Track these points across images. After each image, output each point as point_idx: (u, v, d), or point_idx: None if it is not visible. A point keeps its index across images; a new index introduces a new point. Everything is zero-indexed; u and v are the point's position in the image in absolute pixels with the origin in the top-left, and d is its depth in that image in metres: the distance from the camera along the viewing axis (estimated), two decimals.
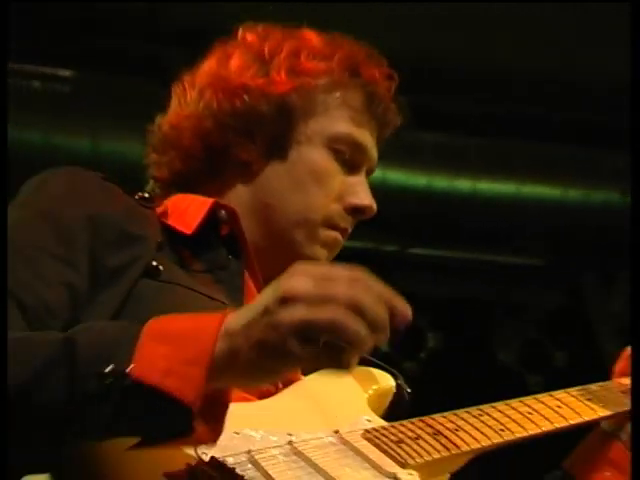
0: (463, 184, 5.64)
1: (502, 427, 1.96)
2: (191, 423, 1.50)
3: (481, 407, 1.99)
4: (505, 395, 2.08)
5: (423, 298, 6.02)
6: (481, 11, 5.22)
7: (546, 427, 2.03)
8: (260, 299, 1.55)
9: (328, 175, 2.16)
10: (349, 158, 2.19)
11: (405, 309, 1.58)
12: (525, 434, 1.99)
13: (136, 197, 2.12)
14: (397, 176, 5.54)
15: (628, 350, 2.28)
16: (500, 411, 2.00)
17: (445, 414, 1.93)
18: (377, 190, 5.73)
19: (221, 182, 2.19)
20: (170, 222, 2.05)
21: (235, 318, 1.53)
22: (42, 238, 1.90)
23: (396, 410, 2.04)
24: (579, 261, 6.08)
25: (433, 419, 1.91)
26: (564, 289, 5.91)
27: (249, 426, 1.74)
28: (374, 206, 2.22)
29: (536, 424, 2.02)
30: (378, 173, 5.55)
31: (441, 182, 5.62)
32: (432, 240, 6.01)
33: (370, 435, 1.83)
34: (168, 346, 1.54)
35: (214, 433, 1.57)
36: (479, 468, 2.05)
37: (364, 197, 2.21)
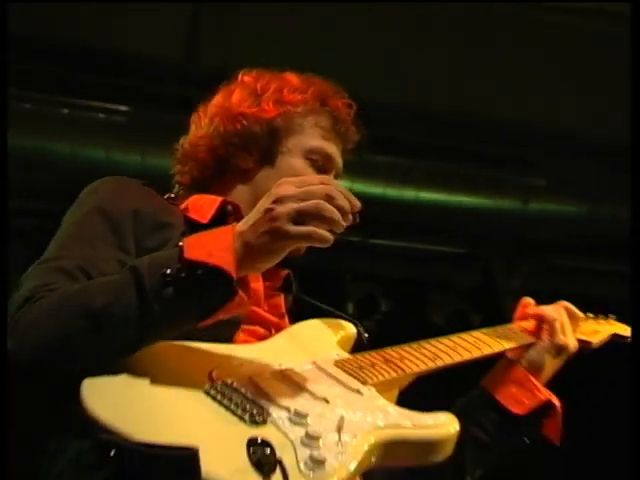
0: (409, 193, 5.65)
1: (435, 356, 1.99)
2: (234, 288, 1.60)
3: (419, 342, 2.02)
4: None
5: (379, 275, 6.02)
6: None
7: (467, 356, 2.06)
8: (257, 207, 1.67)
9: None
10: (321, 165, 2.23)
11: (356, 201, 1.70)
12: (452, 361, 2.01)
13: (165, 197, 2.18)
14: (360, 186, 5.47)
15: (524, 299, 2.34)
16: (433, 345, 2.03)
17: (393, 347, 1.97)
18: None
19: (226, 185, 2.21)
20: (190, 215, 2.07)
21: (241, 224, 1.66)
22: (99, 228, 1.91)
23: (357, 350, 2.02)
24: (490, 251, 6.11)
25: (384, 351, 1.95)
26: (480, 271, 5.91)
27: (249, 359, 1.78)
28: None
29: (460, 354, 2.04)
30: (346, 184, 5.58)
31: (392, 192, 5.63)
32: (386, 233, 5.99)
33: (339, 364, 1.86)
34: (203, 243, 1.63)
35: (245, 304, 1.66)
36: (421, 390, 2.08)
37: None
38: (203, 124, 2.25)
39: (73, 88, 5.12)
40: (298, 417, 1.61)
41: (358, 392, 1.76)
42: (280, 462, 1.50)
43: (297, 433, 1.57)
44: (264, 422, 1.58)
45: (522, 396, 2.17)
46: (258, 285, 2.04)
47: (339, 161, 2.29)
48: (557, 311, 2.28)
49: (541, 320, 2.26)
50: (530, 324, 2.28)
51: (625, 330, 2.52)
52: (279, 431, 1.57)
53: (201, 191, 2.21)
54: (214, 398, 1.62)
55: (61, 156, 5.07)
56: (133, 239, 1.92)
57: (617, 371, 4.47)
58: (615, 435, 4.40)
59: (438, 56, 5.26)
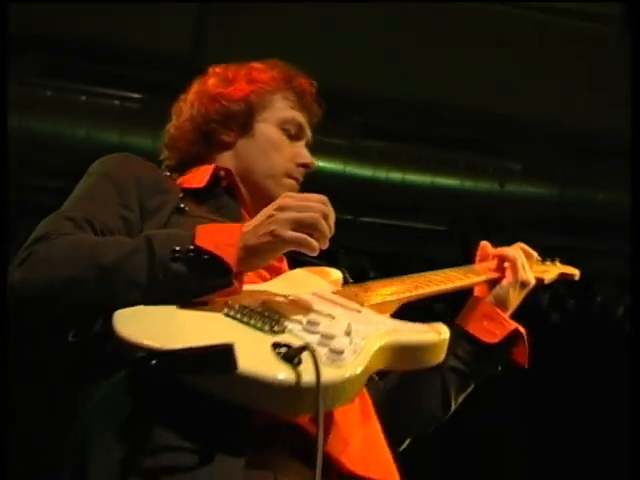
0: (396, 175, 5.63)
1: (415, 286, 2.06)
2: (232, 279, 1.66)
3: (401, 277, 2.10)
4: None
5: (368, 250, 6.06)
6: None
7: (443, 287, 2.13)
8: (261, 213, 1.75)
9: (281, 144, 2.26)
10: (294, 134, 2.29)
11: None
12: (431, 290, 2.09)
13: (165, 172, 2.23)
14: (352, 169, 5.56)
15: (482, 243, 2.38)
16: (412, 279, 2.10)
17: (379, 280, 2.06)
18: (340, 178, 5.80)
19: (213, 157, 2.26)
20: (186, 186, 2.11)
21: (247, 226, 1.71)
22: (106, 189, 1.96)
23: None
24: (470, 228, 6.12)
25: (372, 282, 2.04)
26: (459, 246, 5.92)
27: (259, 291, 1.85)
28: (314, 162, 2.29)
29: (437, 285, 2.11)
30: (339, 167, 5.64)
31: (381, 174, 5.62)
32: (375, 212, 6.00)
33: (336, 292, 1.94)
34: (214, 235, 1.68)
35: (237, 290, 1.71)
36: None
37: (307, 157, 2.29)
38: (185, 110, 2.30)
39: (90, 77, 5.11)
40: (311, 326, 1.67)
41: (357, 311, 1.82)
42: (307, 346, 1.55)
43: (313, 338, 1.63)
44: (282, 331, 1.64)
45: (493, 328, 2.22)
46: None
47: (308, 130, 2.34)
48: (516, 251, 2.32)
49: (503, 259, 2.30)
50: (492, 264, 2.32)
51: (571, 270, 2.67)
52: (297, 337, 1.63)
53: (191, 167, 2.26)
54: (233, 317, 1.67)
55: (78, 139, 5.07)
56: (136, 200, 1.96)
57: (617, 373, 4.53)
58: (615, 436, 4.42)
59: (421, 50, 5.25)
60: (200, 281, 1.66)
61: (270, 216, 1.73)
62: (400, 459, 1.90)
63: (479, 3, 5.01)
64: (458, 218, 6.14)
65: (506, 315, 2.26)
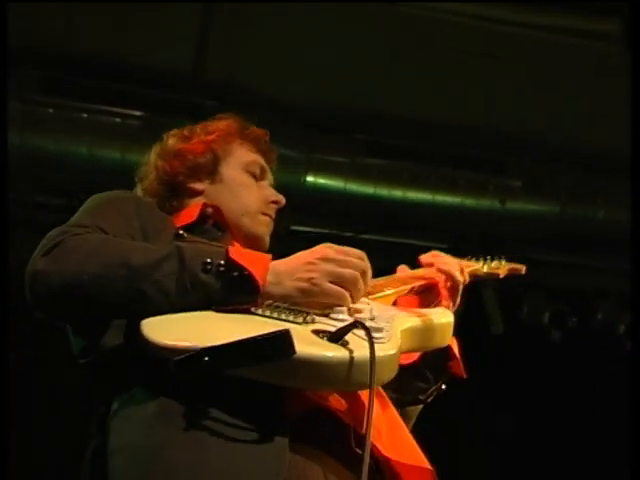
0: (397, 193, 5.63)
1: (403, 282, 2.18)
2: (257, 297, 1.70)
3: (377, 278, 2.14)
4: None
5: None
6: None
7: (411, 285, 2.21)
8: (297, 257, 1.79)
9: (249, 185, 2.33)
10: (258, 174, 2.36)
11: None
12: (410, 286, 2.19)
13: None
14: (353, 186, 5.56)
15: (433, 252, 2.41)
16: (390, 278, 2.22)
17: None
18: (340, 195, 5.80)
19: (186, 204, 2.29)
20: (178, 224, 2.13)
21: (278, 264, 1.76)
22: (110, 211, 1.98)
23: None
24: (471, 246, 6.10)
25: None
26: None
27: None
28: (283, 199, 2.36)
29: (410, 283, 2.21)
30: (341, 184, 5.66)
31: (382, 191, 5.62)
32: (376, 230, 5.99)
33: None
34: (245, 255, 1.74)
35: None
36: None
37: (276, 194, 2.36)
38: (149, 173, 2.34)
39: (92, 95, 5.12)
40: (337, 314, 1.73)
41: (367, 304, 1.85)
42: (357, 323, 1.63)
43: (344, 323, 1.67)
44: (313, 322, 1.69)
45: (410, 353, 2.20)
46: None
47: (269, 174, 2.42)
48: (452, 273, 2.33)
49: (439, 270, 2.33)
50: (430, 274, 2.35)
51: (518, 266, 2.82)
52: (330, 326, 1.68)
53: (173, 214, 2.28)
54: (263, 315, 1.70)
55: (80, 156, 5.08)
56: (138, 222, 1.98)
57: (618, 390, 4.52)
58: (616, 454, 4.40)
59: (422, 68, 5.27)
60: (227, 295, 1.69)
61: (311, 263, 1.77)
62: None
63: (481, 21, 5.03)
64: (459, 236, 6.14)
65: None
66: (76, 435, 1.97)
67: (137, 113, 5.13)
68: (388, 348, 1.64)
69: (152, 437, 1.61)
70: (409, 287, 2.21)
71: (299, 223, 5.70)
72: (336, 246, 1.84)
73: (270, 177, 2.42)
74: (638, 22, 3.65)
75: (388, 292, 2.08)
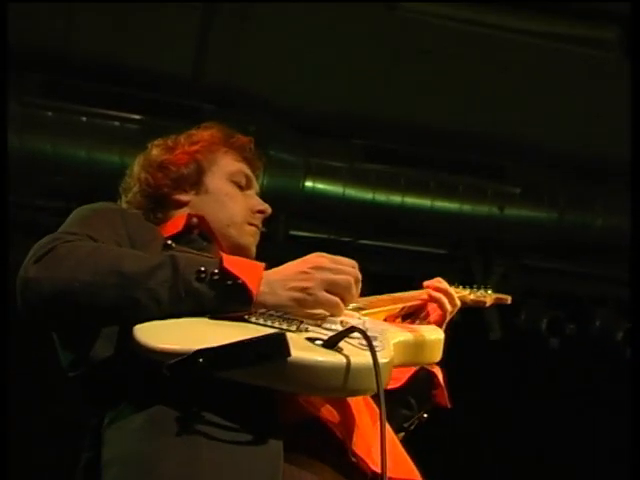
0: (395, 198, 5.64)
1: (393, 301, 2.21)
2: (251, 302, 1.69)
3: (369, 297, 2.15)
4: None
5: (368, 272, 6.04)
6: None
7: (401, 305, 2.24)
8: (290, 267, 1.79)
9: (235, 195, 2.31)
10: (244, 184, 2.34)
11: None
12: (401, 305, 2.23)
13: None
14: (352, 192, 5.57)
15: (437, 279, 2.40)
16: (383, 297, 2.23)
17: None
18: (339, 200, 5.80)
19: (171, 215, 2.27)
20: (165, 234, 2.12)
21: (272, 274, 1.76)
22: (97, 220, 1.96)
23: None
24: (470, 252, 6.14)
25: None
26: (459, 270, 5.92)
27: None
28: (269, 208, 2.35)
29: (402, 302, 2.25)
30: (339, 190, 5.66)
31: (381, 197, 5.62)
32: (375, 235, 6.00)
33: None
34: (239, 264, 1.73)
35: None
36: None
37: (262, 204, 2.34)
38: (132, 184, 2.32)
39: (91, 98, 5.13)
40: (330, 324, 1.73)
41: (358, 318, 1.88)
42: (354, 328, 1.64)
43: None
44: (307, 330, 1.69)
45: (398, 373, 2.18)
46: None
47: (255, 182, 2.41)
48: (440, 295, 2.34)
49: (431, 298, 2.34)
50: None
51: (504, 296, 2.86)
52: (323, 334, 1.67)
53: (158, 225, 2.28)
54: (256, 323, 1.70)
55: (78, 160, 5.08)
56: (125, 233, 1.97)
57: (617, 397, 4.51)
58: (617, 461, 4.38)
59: (421, 74, 5.28)
60: (220, 304, 1.69)
61: (304, 272, 1.77)
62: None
63: (480, 28, 5.04)
64: (457, 241, 6.15)
65: None
66: (70, 446, 1.97)
67: (136, 117, 5.14)
68: (382, 356, 1.64)
69: (146, 447, 1.61)
70: (400, 306, 2.22)
71: (297, 228, 5.71)
72: (328, 255, 1.85)
73: (256, 185, 2.40)
74: (637, 29, 3.65)
75: (379, 310, 2.09)
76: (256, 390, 1.59)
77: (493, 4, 4.98)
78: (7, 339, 2.54)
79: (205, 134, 2.37)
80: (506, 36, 5.10)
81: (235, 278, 1.69)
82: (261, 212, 2.34)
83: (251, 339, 1.54)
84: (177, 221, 2.20)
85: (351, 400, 1.80)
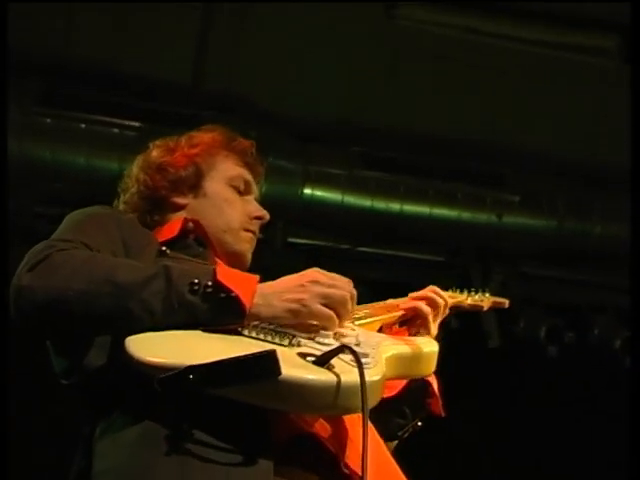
0: (394, 206, 5.64)
1: (387, 310, 2.19)
2: (244, 315, 1.69)
3: (365, 304, 2.17)
4: None
5: (366, 279, 6.04)
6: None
7: (397, 314, 2.22)
8: (286, 280, 1.80)
9: (233, 200, 2.30)
10: (243, 189, 2.33)
11: None
12: (397, 314, 2.21)
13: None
14: (351, 199, 5.56)
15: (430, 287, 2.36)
16: (377, 305, 2.23)
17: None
18: (338, 208, 5.80)
19: (169, 218, 2.26)
20: (160, 239, 2.11)
21: (266, 287, 1.77)
22: (92, 226, 1.96)
23: None
24: (468, 259, 6.13)
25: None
26: (458, 277, 5.92)
27: None
28: (267, 214, 2.34)
29: (395, 311, 2.22)
30: (338, 197, 5.66)
31: (380, 204, 5.62)
32: (374, 242, 5.98)
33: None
34: (232, 276, 1.73)
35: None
36: None
37: (259, 210, 2.34)
38: (130, 185, 2.30)
39: (90, 105, 5.13)
40: (323, 338, 1.73)
41: (352, 329, 1.88)
42: (345, 347, 1.64)
43: (330, 348, 1.67)
44: (299, 345, 1.69)
45: (392, 382, 2.17)
46: None
47: (255, 187, 2.40)
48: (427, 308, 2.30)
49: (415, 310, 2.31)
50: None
51: (501, 299, 2.85)
52: (315, 349, 1.68)
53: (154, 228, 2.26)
54: (249, 336, 1.70)
55: (77, 167, 5.09)
56: (119, 238, 1.96)
57: (615, 405, 4.50)
58: (615, 469, 4.38)
59: (420, 81, 5.29)
60: (213, 316, 1.69)
61: (301, 285, 1.78)
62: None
63: (480, 36, 5.04)
64: (456, 249, 6.15)
65: None
66: (70, 446, 1.96)
67: (135, 124, 5.14)
68: (373, 374, 1.64)
69: (137, 461, 1.61)
70: (395, 315, 2.21)
71: (296, 235, 5.70)
72: (324, 271, 1.85)
73: (255, 191, 2.39)
74: (637, 38, 3.66)
75: (374, 319, 2.09)
76: (248, 406, 1.58)
77: (494, 12, 4.99)
78: (7, 339, 2.53)
79: (206, 137, 2.36)
80: (506, 44, 5.12)
81: (228, 291, 1.69)
82: (259, 218, 2.33)
83: (242, 357, 1.54)
84: (173, 225, 2.19)
85: None
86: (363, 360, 1.63)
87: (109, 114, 5.16)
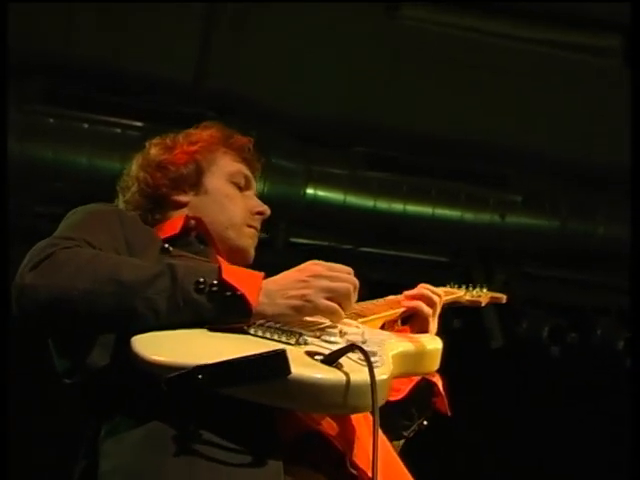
0: (397, 206, 5.65)
1: (390, 307, 2.18)
2: (250, 314, 1.67)
3: (365, 302, 2.16)
4: None
5: (369, 280, 6.04)
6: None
7: (399, 310, 2.21)
8: (287, 275, 1.80)
9: (234, 196, 2.29)
10: (243, 185, 2.32)
11: None
12: (399, 311, 2.20)
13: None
14: (353, 199, 5.58)
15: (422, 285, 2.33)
16: (380, 302, 2.22)
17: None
18: (340, 208, 5.81)
19: (170, 215, 2.25)
20: (161, 235, 2.10)
21: (270, 283, 1.76)
22: (94, 224, 1.94)
23: None
24: (471, 260, 6.14)
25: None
26: (461, 278, 5.92)
27: None
28: (268, 210, 2.33)
29: (398, 308, 2.21)
30: (340, 197, 5.67)
31: (382, 204, 5.63)
32: (376, 242, 6.00)
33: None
34: (238, 274, 1.72)
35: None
36: None
37: (261, 205, 2.33)
38: (130, 184, 2.30)
39: (92, 105, 5.13)
40: (329, 337, 1.72)
41: (357, 327, 1.87)
42: (354, 345, 1.62)
43: (337, 347, 1.66)
44: (305, 343, 1.67)
45: (399, 384, 2.17)
46: None
47: (254, 183, 2.39)
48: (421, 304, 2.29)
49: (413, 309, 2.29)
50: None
51: (499, 295, 2.83)
52: (322, 348, 1.66)
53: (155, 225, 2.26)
54: (255, 335, 1.68)
55: (79, 167, 5.09)
56: (122, 236, 1.95)
57: (617, 406, 4.51)
58: (617, 469, 4.38)
59: (423, 81, 5.29)
60: (219, 315, 1.68)
61: (303, 281, 1.77)
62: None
63: (481, 35, 5.04)
64: (458, 249, 6.15)
65: None
66: (70, 446, 1.96)
67: (137, 123, 5.14)
68: (381, 373, 1.63)
69: (144, 462, 1.60)
70: (397, 311, 2.20)
71: (298, 235, 5.71)
72: (324, 262, 1.84)
73: (255, 186, 2.39)
74: (638, 38, 3.66)
75: (376, 316, 2.08)
76: (255, 406, 1.57)
77: (495, 12, 4.99)
78: (7, 339, 2.53)
79: (204, 134, 2.35)
80: (508, 43, 5.11)
81: (234, 289, 1.68)
82: (260, 213, 2.32)
83: (252, 356, 1.53)
84: (175, 222, 2.18)
85: None
86: (372, 359, 1.62)
87: (111, 114, 5.17)
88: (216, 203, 2.26)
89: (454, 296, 2.55)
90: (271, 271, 1.85)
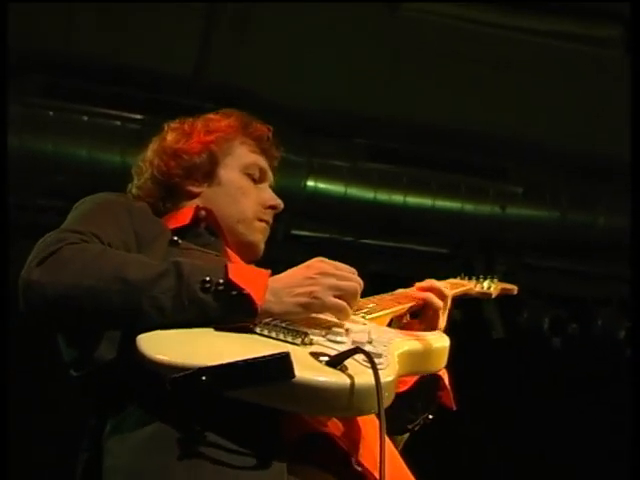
0: (397, 198, 5.64)
1: (398, 302, 2.14)
2: (256, 313, 1.66)
3: (372, 296, 2.13)
4: None
5: (370, 272, 6.04)
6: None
7: (408, 305, 2.16)
8: (293, 273, 1.78)
9: (247, 189, 2.27)
10: (257, 177, 2.30)
11: None
12: (407, 305, 2.15)
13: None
14: (354, 191, 5.57)
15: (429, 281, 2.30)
16: (386, 296, 2.18)
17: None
18: (341, 200, 5.80)
19: (182, 205, 2.24)
20: (171, 225, 2.10)
21: (277, 281, 1.75)
22: (103, 215, 1.94)
23: None
24: (472, 251, 6.13)
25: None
26: (461, 269, 5.91)
27: None
28: (282, 203, 2.31)
29: (407, 302, 2.16)
30: (341, 189, 5.66)
31: (382, 196, 5.62)
32: (377, 234, 5.99)
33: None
34: (244, 274, 1.71)
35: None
36: None
37: (274, 198, 2.31)
38: (145, 170, 2.28)
39: (92, 98, 5.13)
40: (334, 336, 1.71)
41: (363, 324, 1.86)
42: (358, 349, 1.61)
43: (341, 347, 1.66)
44: (311, 343, 1.67)
45: (403, 377, 2.14)
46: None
47: (270, 174, 2.36)
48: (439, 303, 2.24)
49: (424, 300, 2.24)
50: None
51: (510, 286, 2.84)
52: (327, 348, 1.66)
53: (166, 214, 2.24)
54: (260, 334, 1.68)
55: (79, 159, 5.08)
56: (131, 227, 1.95)
57: (618, 396, 4.51)
58: (617, 460, 4.38)
59: (423, 73, 5.28)
60: (225, 314, 1.67)
61: (310, 278, 1.76)
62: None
63: (481, 26, 5.03)
64: (459, 241, 6.15)
65: None
66: (70, 445, 1.96)
67: (137, 116, 5.14)
68: (386, 375, 1.63)
69: (148, 462, 1.60)
70: (405, 307, 2.16)
71: (299, 227, 5.70)
72: (329, 261, 1.83)
73: (270, 177, 2.35)
74: (638, 27, 3.65)
75: (384, 312, 2.06)
76: (258, 406, 1.57)
77: (494, 3, 4.98)
78: (7, 339, 2.53)
79: (222, 124, 2.32)
80: (508, 35, 5.10)
81: (240, 289, 1.67)
82: (273, 207, 2.30)
83: (255, 359, 1.52)
84: (185, 212, 2.18)
85: None
86: (376, 360, 1.61)
87: (111, 106, 5.16)
88: (228, 195, 2.25)
89: (464, 288, 2.53)
90: (272, 264, 1.85)
